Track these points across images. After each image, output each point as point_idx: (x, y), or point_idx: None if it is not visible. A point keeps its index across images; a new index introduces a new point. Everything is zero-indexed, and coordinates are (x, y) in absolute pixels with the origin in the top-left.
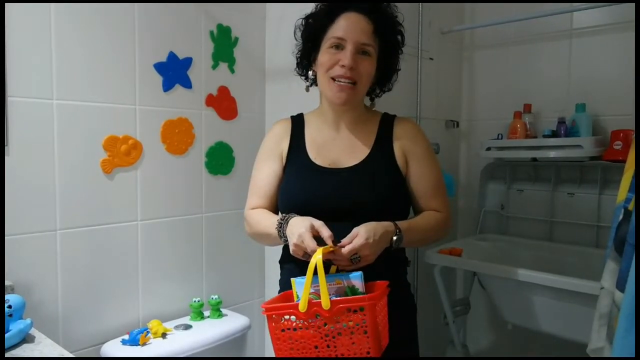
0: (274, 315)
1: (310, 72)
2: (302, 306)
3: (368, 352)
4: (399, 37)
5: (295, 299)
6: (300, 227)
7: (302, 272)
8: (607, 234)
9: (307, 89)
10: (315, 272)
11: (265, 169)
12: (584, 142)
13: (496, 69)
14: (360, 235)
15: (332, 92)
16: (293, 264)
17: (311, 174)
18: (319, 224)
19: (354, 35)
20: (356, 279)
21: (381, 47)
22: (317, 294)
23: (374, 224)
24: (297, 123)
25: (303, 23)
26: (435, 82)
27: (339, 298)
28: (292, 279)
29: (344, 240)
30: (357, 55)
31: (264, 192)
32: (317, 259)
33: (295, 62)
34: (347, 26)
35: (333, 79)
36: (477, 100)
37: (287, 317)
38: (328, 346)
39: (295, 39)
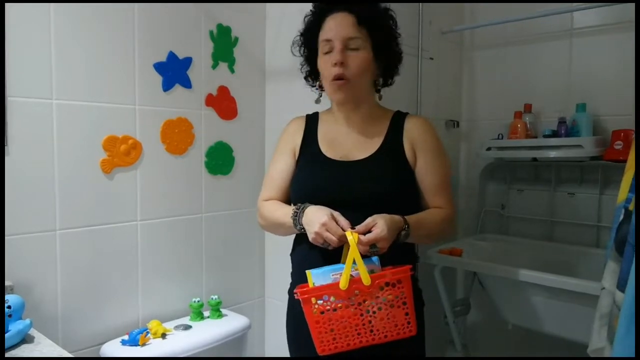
0: (311, 299)
1: (317, 82)
2: (344, 284)
3: (409, 322)
4: (390, 22)
5: None
6: (322, 216)
7: (313, 260)
8: (608, 234)
9: (318, 101)
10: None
11: (279, 164)
12: (585, 142)
13: (496, 69)
14: (379, 226)
15: (330, 92)
16: (305, 250)
17: (322, 165)
18: (336, 214)
19: (339, 32)
20: (373, 263)
21: (373, 36)
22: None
23: (388, 216)
24: (312, 120)
25: (300, 39)
26: (435, 82)
27: (376, 273)
28: (308, 271)
29: (359, 227)
30: (346, 51)
31: (277, 185)
32: (351, 239)
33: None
34: (333, 26)
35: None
36: (477, 100)
37: (321, 299)
38: (370, 322)
39: (293, 53)
